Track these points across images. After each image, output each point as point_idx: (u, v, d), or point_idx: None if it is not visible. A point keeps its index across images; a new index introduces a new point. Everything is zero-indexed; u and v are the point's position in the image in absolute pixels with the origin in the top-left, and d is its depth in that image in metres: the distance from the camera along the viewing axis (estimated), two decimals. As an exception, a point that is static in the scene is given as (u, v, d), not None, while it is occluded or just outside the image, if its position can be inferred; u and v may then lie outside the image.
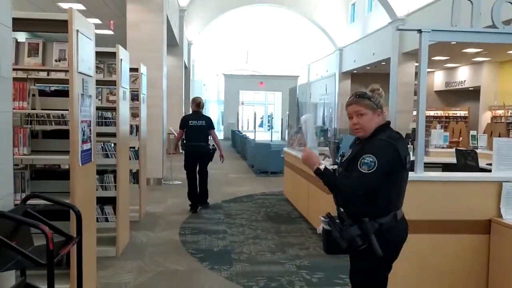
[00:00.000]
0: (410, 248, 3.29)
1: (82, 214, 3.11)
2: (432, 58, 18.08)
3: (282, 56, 28.46)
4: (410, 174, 3.40)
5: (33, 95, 2.98)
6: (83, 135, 3.10)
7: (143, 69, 6.05)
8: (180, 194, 7.91)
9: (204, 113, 6.90)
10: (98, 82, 4.67)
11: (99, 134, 4.61)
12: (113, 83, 4.58)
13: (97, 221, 4.45)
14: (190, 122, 6.55)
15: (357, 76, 24.22)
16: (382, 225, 2.18)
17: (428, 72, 23.00)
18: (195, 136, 6.51)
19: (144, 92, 6.24)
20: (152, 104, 8.79)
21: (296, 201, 6.70)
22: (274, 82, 26.81)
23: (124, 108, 4.64)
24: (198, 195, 6.68)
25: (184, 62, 18.20)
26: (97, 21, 12.62)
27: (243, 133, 17.69)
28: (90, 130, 3.28)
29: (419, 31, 3.27)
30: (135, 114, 6.12)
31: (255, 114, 24.75)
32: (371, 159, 2.12)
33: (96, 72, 4.59)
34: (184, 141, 6.70)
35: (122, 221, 4.60)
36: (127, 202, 4.94)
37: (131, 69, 5.99)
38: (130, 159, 5.78)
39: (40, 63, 3.04)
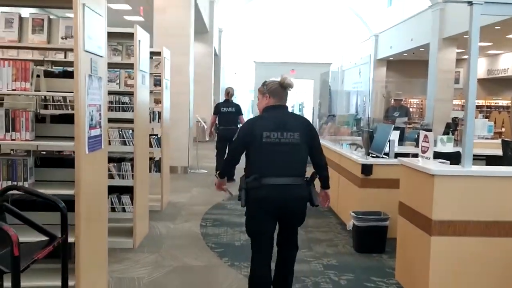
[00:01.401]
0: (455, 252, 2.91)
1: (90, 204, 2.88)
2: (474, 44, 17.09)
3: (314, 43, 27.79)
4: (456, 168, 3.02)
5: (38, 75, 2.75)
6: (91, 120, 2.86)
7: (166, 53, 5.79)
8: (204, 183, 7.68)
9: (234, 101, 7.92)
10: (116, 65, 4.45)
11: (116, 120, 4.40)
12: (132, 66, 4.33)
13: (114, 210, 4.27)
14: (222, 108, 7.63)
15: (393, 63, 23.33)
16: (248, 183, 2.75)
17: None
18: (226, 120, 7.57)
19: (168, 78, 5.99)
20: (178, 91, 8.57)
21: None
22: (306, 69, 26.18)
23: (143, 93, 4.39)
24: None
25: (214, 50, 17.95)
26: (127, 7, 12.51)
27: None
28: (100, 115, 3.03)
29: (470, 3, 2.82)
30: (157, 100, 5.90)
31: (286, 102, 24.28)
32: (238, 132, 3.01)
33: (114, 54, 4.37)
34: (217, 125, 7.71)
35: (140, 212, 4.38)
36: (146, 191, 4.72)
37: (154, 53, 5.76)
38: (152, 146, 5.58)
39: (45, 40, 2.80)
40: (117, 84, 4.37)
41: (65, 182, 2.90)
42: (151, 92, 5.94)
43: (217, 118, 7.70)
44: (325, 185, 3.04)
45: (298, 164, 2.80)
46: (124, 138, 4.29)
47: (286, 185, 2.72)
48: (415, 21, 17.82)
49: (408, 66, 23.25)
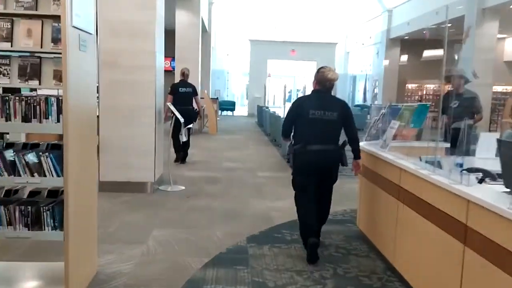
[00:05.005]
0: None
1: None
2: (512, 20, 14.23)
3: (317, 20, 24.52)
4: None
5: None
6: None
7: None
8: (177, 215, 4.65)
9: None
10: None
11: None
12: None
13: None
14: (180, 89, 7.66)
15: (408, 43, 20.25)
16: (296, 149, 3.64)
17: (498, 38, 18.85)
18: (183, 101, 7.46)
19: (87, 28, 2.88)
20: (136, 65, 5.50)
21: (388, 247, 3.30)
22: (307, 49, 23.09)
23: None
24: (181, 150, 7.71)
25: (203, 22, 14.72)
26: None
27: (273, 111, 14.23)
28: None
29: None
30: (58, 74, 2.79)
31: (285, 87, 21.14)
32: (290, 107, 3.83)
33: None
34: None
35: None
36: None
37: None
38: (38, 174, 2.54)
39: None
40: None
41: None
42: (48, 54, 2.83)
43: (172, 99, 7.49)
44: (356, 156, 3.80)
45: (334, 135, 3.63)
46: None
47: (325, 150, 3.58)
48: (443, -10, 14.81)
49: (426, 46, 20.19)
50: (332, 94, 4.00)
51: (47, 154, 2.60)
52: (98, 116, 5.61)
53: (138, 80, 5.53)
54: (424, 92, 20.80)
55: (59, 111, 2.60)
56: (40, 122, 2.60)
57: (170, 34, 12.54)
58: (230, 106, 23.10)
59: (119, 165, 5.62)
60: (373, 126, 4.29)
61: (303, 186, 3.68)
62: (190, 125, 7.18)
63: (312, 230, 3.58)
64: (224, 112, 22.36)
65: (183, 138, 6.76)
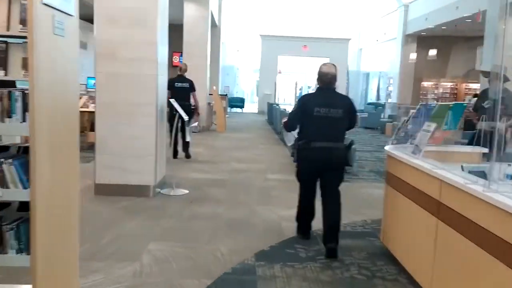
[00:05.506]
0: None
1: None
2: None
3: (330, 14, 23.85)
4: None
5: None
6: None
7: None
8: (177, 226, 4.13)
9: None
10: None
11: None
12: None
13: None
14: (176, 84, 7.39)
15: (425, 39, 19.53)
16: (300, 145, 3.67)
17: (519, 35, 18.09)
18: (180, 96, 7.03)
19: (64, 8, 2.38)
20: (136, 57, 5.02)
21: (423, 272, 2.77)
22: (320, 45, 22.41)
23: None
24: (182, 147, 7.56)
25: (212, 16, 14.21)
26: None
27: (283, 108, 13.70)
28: None
29: None
30: (25, 64, 2.29)
31: (296, 84, 20.62)
32: (296, 104, 4.12)
33: None
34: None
35: None
36: None
37: None
38: (0, 186, 2.05)
39: None
40: None
41: None
42: (16, 39, 2.34)
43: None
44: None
45: (339, 132, 3.69)
46: None
47: (330, 147, 3.57)
48: (465, -17, 14.17)
49: (444, 43, 19.47)
50: (344, 92, 3.64)
51: (10, 161, 2.12)
52: (94, 113, 5.17)
53: (137, 74, 5.05)
54: (441, 90, 20.07)
55: (26, 108, 2.11)
56: (3, 121, 2.12)
57: (178, 29, 12.06)
58: (239, 103, 22.63)
59: (117, 166, 5.16)
60: (402, 128, 3.75)
61: (305, 179, 3.83)
62: (195, 124, 6.74)
63: (306, 225, 3.94)
64: (234, 109, 21.89)
65: (187, 138, 6.32)
